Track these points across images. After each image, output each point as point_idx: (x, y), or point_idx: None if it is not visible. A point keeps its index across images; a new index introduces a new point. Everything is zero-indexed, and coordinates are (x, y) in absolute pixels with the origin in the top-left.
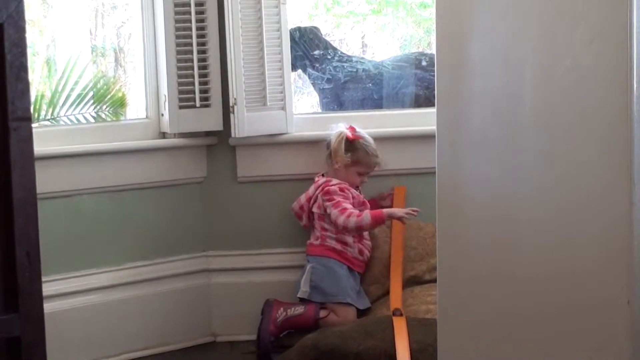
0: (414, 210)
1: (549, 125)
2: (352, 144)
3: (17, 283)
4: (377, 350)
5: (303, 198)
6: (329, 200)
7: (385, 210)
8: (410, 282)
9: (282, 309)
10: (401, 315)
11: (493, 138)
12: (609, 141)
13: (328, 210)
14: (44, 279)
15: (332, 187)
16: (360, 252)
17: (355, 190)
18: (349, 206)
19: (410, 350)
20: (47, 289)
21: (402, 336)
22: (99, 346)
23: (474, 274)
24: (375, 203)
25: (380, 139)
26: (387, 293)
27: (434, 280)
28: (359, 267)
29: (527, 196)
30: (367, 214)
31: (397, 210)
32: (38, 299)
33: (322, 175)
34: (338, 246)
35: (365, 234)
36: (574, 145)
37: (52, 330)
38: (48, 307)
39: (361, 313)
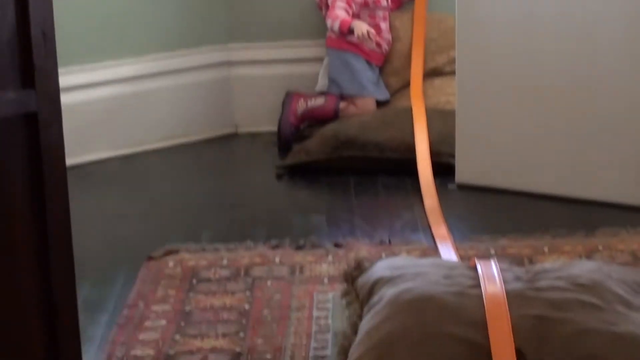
0: (374, 35)
1: None
2: None
3: (33, 61)
4: (396, 140)
5: None
6: None
7: (353, 22)
8: (431, 73)
9: (302, 100)
10: None
11: None
12: None
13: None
14: (66, 70)
15: None
16: (378, 45)
17: None
18: (340, 12)
19: (429, 139)
20: (69, 80)
21: (421, 126)
22: (123, 137)
23: (493, 66)
24: None
25: None
26: (407, 85)
27: (454, 72)
28: (377, 60)
29: None
30: (338, 22)
31: (363, 28)
32: (54, 76)
33: None
34: (355, 39)
35: (384, 27)
36: None
37: (75, 121)
38: (70, 98)
39: (381, 105)
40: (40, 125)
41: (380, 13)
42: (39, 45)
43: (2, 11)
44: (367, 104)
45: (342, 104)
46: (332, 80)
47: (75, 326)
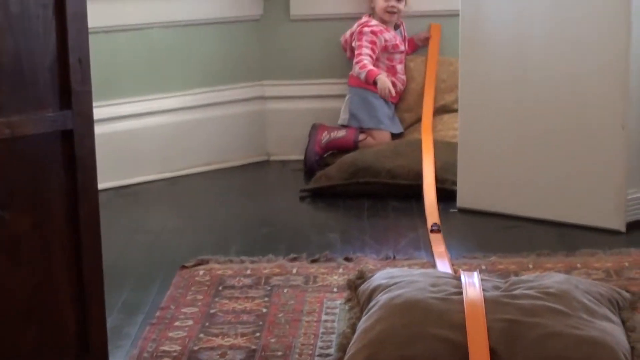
0: (391, 92)
1: None
2: None
3: (70, 85)
4: (406, 167)
5: (348, 33)
6: (359, 40)
7: (378, 76)
8: (440, 110)
9: (326, 132)
10: (439, 231)
11: None
12: None
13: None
14: (119, 101)
15: (367, 29)
16: (393, 84)
17: (390, 34)
18: (366, 59)
19: (435, 167)
20: (120, 110)
21: (428, 156)
22: (167, 161)
23: (490, 104)
24: (413, 42)
25: None
26: (419, 120)
27: None
28: (392, 98)
29: (538, 35)
30: (365, 72)
31: (386, 85)
32: (88, 99)
33: (369, 15)
34: (376, 90)
35: (400, 69)
36: None
37: (126, 147)
38: (122, 126)
39: (395, 137)
40: (75, 141)
41: (397, 56)
42: (76, 70)
43: (45, 41)
44: (383, 136)
45: (361, 136)
46: (352, 115)
47: (102, 314)
